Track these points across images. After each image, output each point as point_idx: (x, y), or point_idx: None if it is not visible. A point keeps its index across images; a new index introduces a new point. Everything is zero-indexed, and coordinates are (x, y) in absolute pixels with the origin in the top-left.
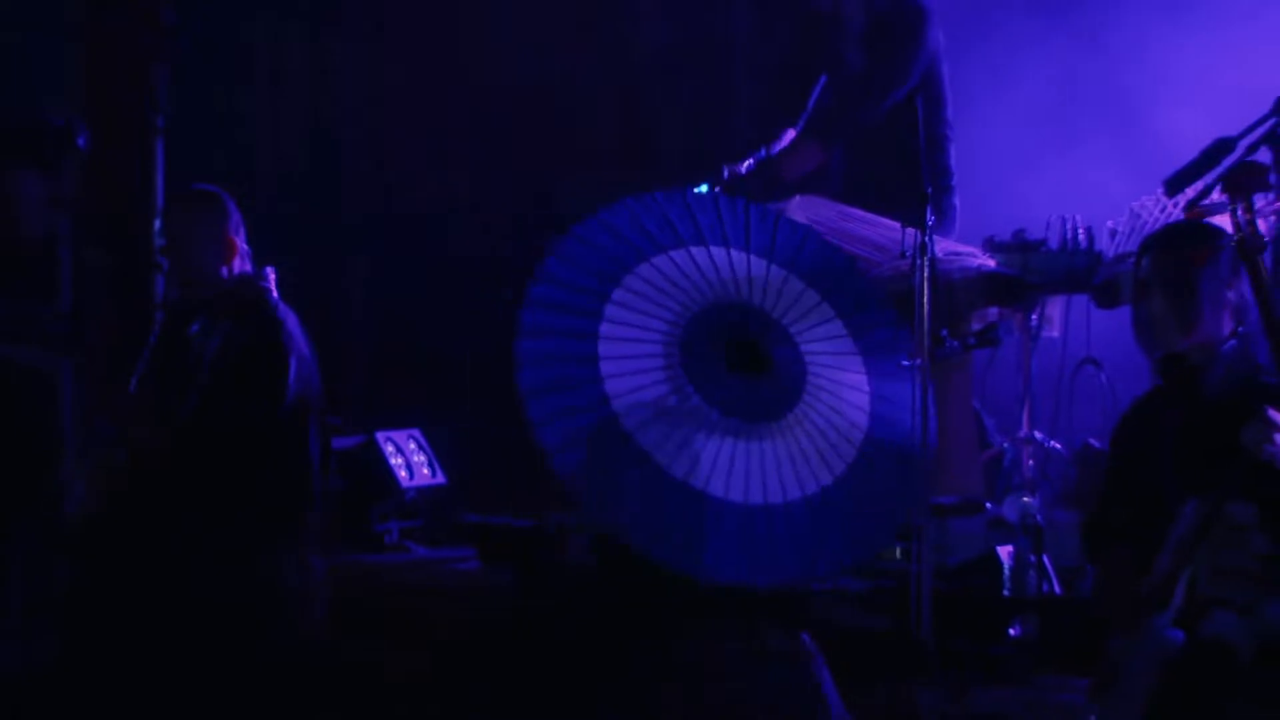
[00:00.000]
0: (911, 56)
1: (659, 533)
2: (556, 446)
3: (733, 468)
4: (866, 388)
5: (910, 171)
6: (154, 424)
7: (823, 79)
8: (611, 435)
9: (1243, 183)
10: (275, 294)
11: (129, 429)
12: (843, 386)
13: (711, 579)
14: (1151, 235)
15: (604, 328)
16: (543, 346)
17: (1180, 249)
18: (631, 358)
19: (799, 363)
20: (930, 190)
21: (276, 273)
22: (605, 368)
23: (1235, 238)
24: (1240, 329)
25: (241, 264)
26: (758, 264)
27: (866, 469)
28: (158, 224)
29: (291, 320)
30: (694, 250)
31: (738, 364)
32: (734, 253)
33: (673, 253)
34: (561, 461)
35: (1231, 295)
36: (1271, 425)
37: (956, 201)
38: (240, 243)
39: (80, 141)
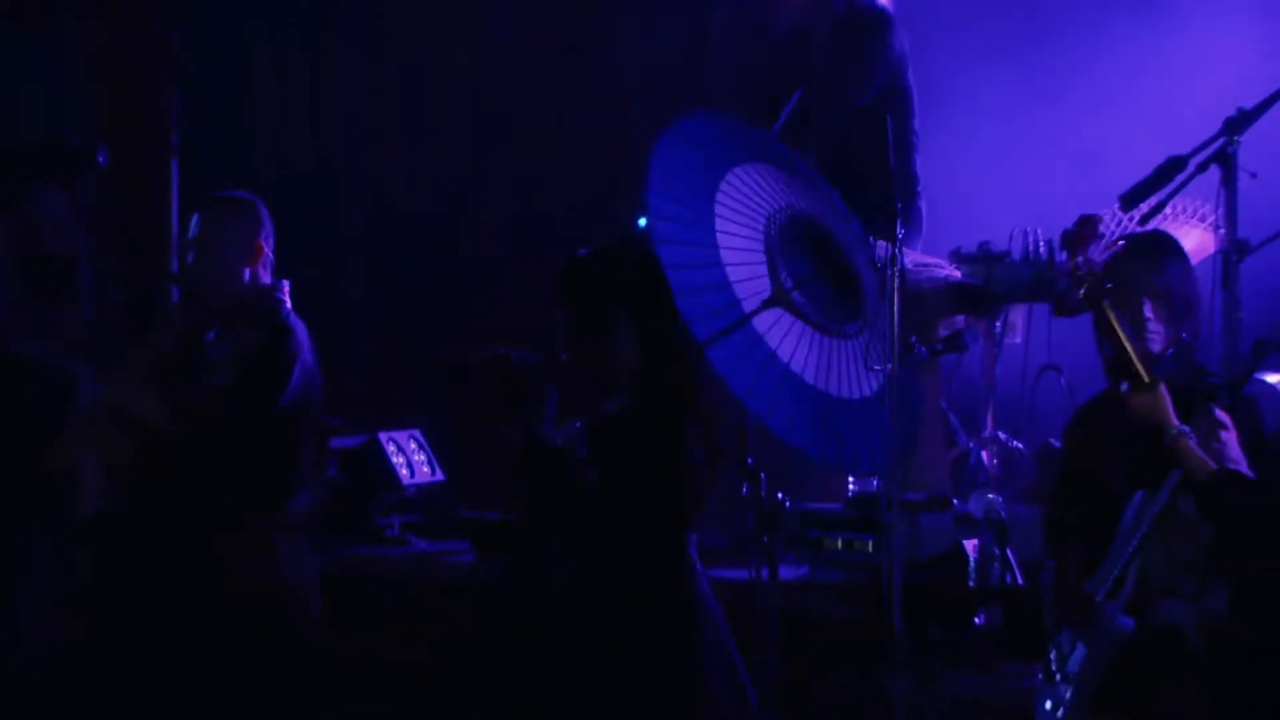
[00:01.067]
0: (875, 60)
1: (753, 387)
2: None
3: (819, 359)
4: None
5: (880, 183)
6: (160, 404)
7: (796, 94)
8: (748, 332)
9: (1079, 235)
10: (288, 305)
11: (136, 406)
12: (886, 332)
13: (802, 450)
14: (1121, 244)
15: (719, 236)
16: (673, 253)
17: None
18: (745, 263)
19: (858, 279)
20: (900, 203)
21: (290, 285)
22: (731, 274)
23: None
24: (1182, 335)
25: (264, 272)
26: (820, 191)
27: (876, 404)
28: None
29: (300, 330)
30: (775, 168)
31: (821, 267)
32: (799, 176)
33: (759, 163)
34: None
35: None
36: (1216, 423)
37: (923, 206)
38: (268, 250)
39: (100, 159)
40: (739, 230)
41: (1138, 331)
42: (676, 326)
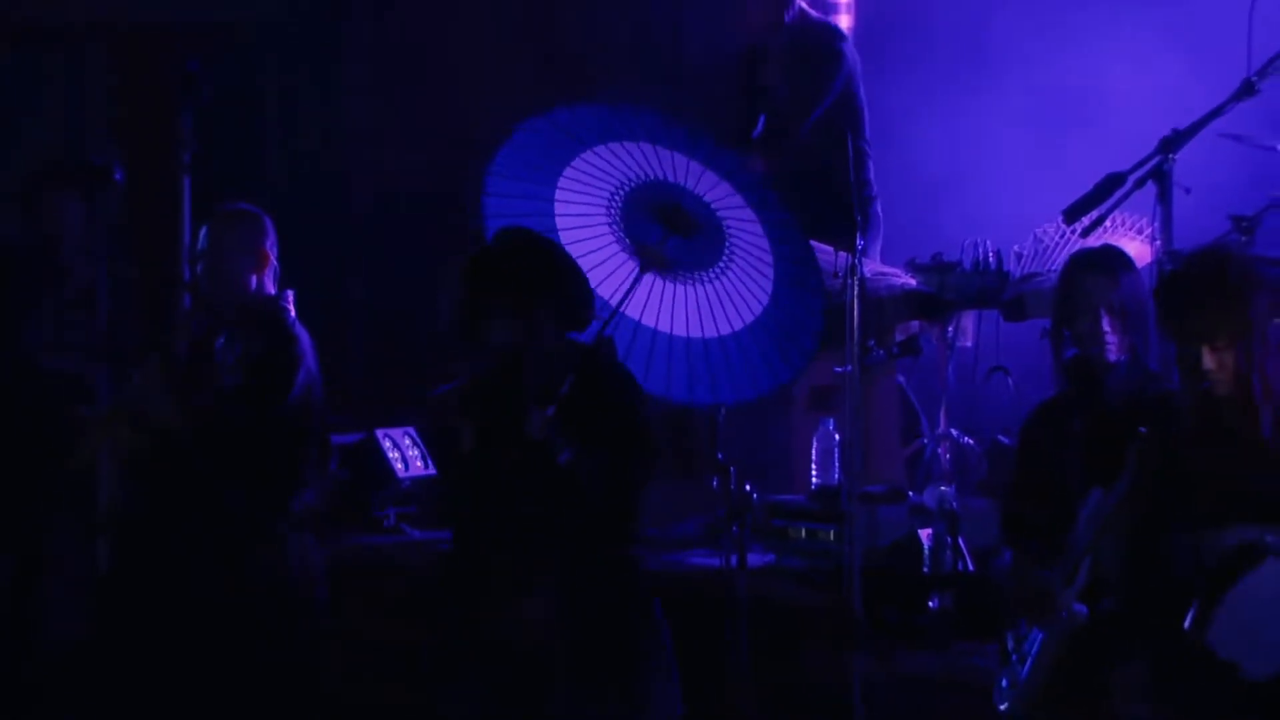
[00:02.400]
0: (829, 75)
1: (640, 364)
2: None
3: (674, 307)
4: (770, 272)
5: (838, 195)
6: (174, 404)
7: (761, 118)
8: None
9: None
10: (293, 314)
11: (151, 406)
12: (753, 257)
13: (668, 398)
14: (1073, 257)
15: (558, 206)
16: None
17: (1112, 264)
18: (584, 227)
19: (719, 228)
20: (858, 214)
21: (295, 294)
22: (564, 237)
23: None
24: (1136, 343)
25: (269, 280)
26: (679, 156)
27: (768, 321)
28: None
29: (304, 337)
30: (621, 144)
31: (670, 225)
32: (658, 147)
33: (606, 144)
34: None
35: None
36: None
37: (879, 210)
38: (273, 258)
39: (117, 176)
40: (582, 218)
41: (1095, 342)
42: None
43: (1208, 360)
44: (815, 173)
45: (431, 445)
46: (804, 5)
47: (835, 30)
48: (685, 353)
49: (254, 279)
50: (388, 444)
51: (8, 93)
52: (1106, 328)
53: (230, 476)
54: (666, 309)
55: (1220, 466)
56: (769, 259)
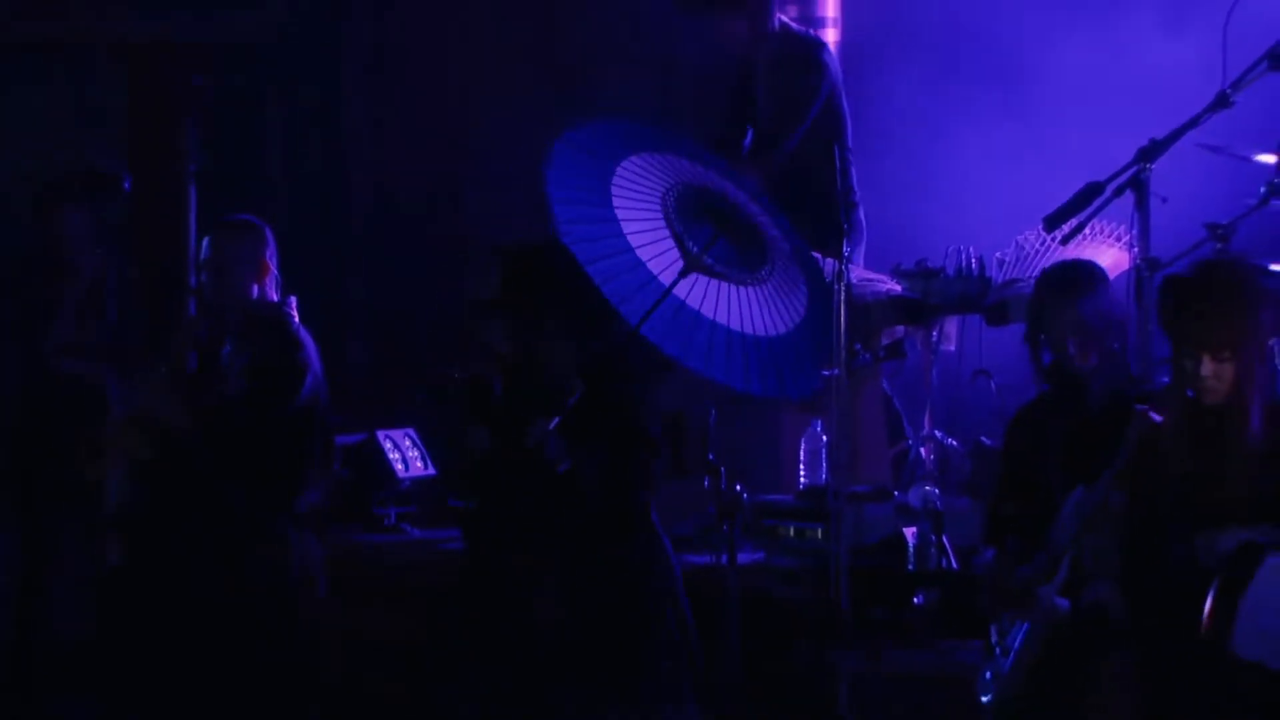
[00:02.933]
0: (813, 85)
1: (681, 341)
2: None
3: (721, 303)
4: (804, 288)
5: (825, 203)
6: (183, 409)
7: (749, 129)
8: (671, 302)
9: None
10: (296, 319)
11: (159, 410)
12: (792, 264)
13: (706, 374)
14: (1044, 273)
15: (622, 225)
16: (578, 237)
17: (1081, 287)
18: (651, 242)
19: (758, 229)
20: (845, 222)
21: (297, 300)
22: (641, 254)
23: None
24: (1114, 346)
25: (271, 287)
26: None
27: (805, 330)
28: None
29: (308, 342)
30: (663, 155)
31: (721, 228)
32: (684, 154)
33: (648, 154)
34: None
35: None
36: (1150, 422)
37: (862, 215)
38: (273, 267)
39: (125, 185)
40: (638, 213)
41: (1066, 355)
42: (606, 315)
43: (1207, 367)
44: (801, 180)
45: (437, 433)
46: (785, 19)
47: (816, 41)
48: (727, 341)
49: (256, 288)
50: (388, 445)
51: (21, 105)
52: (1075, 343)
53: (235, 477)
54: (712, 300)
55: (1210, 469)
56: (802, 275)
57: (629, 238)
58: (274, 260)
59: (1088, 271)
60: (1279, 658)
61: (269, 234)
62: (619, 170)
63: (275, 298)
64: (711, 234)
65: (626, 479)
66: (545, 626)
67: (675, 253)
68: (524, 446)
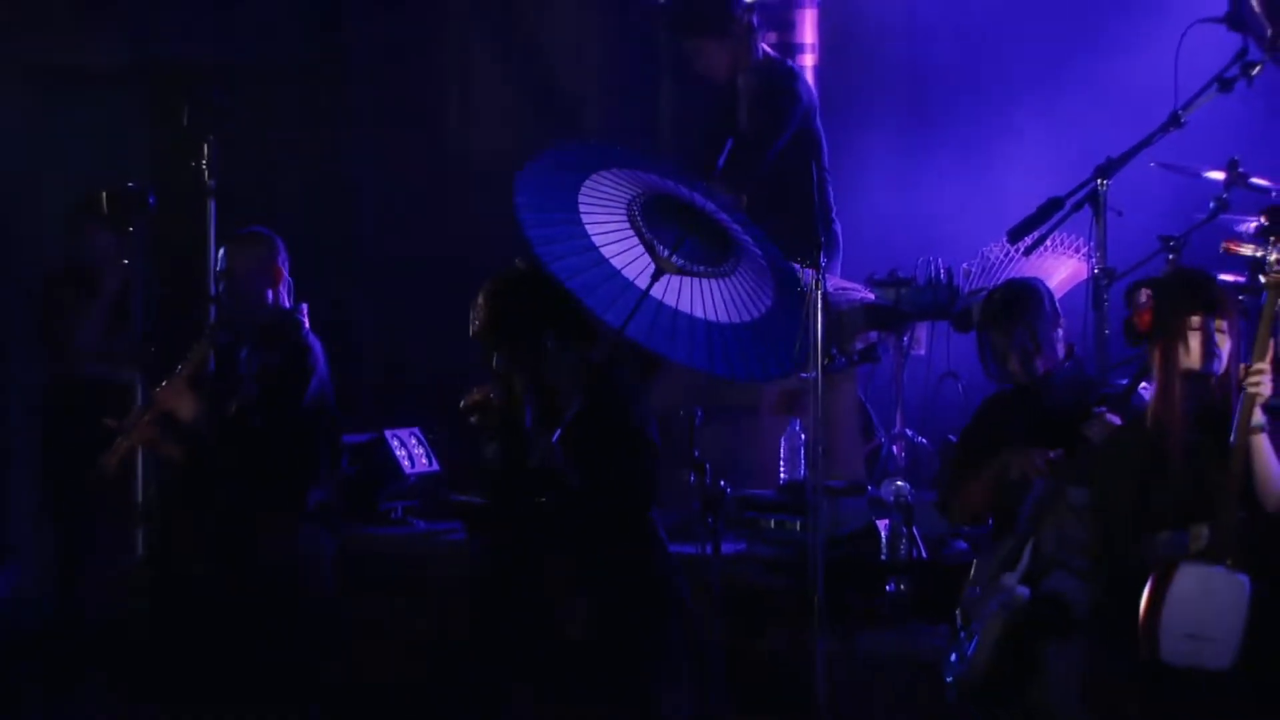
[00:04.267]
0: (787, 110)
1: (665, 337)
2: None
3: (694, 297)
4: (769, 277)
5: (803, 218)
6: (202, 412)
7: (730, 141)
8: (650, 304)
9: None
10: (306, 325)
11: (182, 412)
12: (758, 261)
13: (691, 364)
14: (988, 296)
15: (594, 238)
16: (554, 255)
17: (1015, 309)
18: (623, 251)
19: (721, 226)
20: (821, 235)
21: (309, 307)
22: (615, 263)
23: None
24: (1075, 352)
25: (284, 294)
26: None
27: (775, 316)
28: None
29: (317, 347)
30: (627, 170)
31: (685, 227)
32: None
33: (613, 169)
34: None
35: (1062, 327)
36: (1107, 424)
37: (839, 229)
38: (285, 273)
39: (150, 201)
40: (607, 225)
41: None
42: (596, 328)
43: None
44: (779, 197)
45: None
46: (767, 48)
47: (792, 70)
48: (705, 332)
49: (270, 294)
50: (395, 443)
51: (54, 127)
52: (1015, 360)
53: (250, 474)
54: (686, 295)
55: (1156, 471)
56: (767, 267)
57: (601, 250)
58: (286, 266)
59: (1022, 295)
60: (1208, 659)
61: (279, 243)
62: (584, 187)
63: (289, 304)
64: (678, 235)
65: (629, 483)
66: (549, 627)
67: (646, 258)
68: (532, 465)
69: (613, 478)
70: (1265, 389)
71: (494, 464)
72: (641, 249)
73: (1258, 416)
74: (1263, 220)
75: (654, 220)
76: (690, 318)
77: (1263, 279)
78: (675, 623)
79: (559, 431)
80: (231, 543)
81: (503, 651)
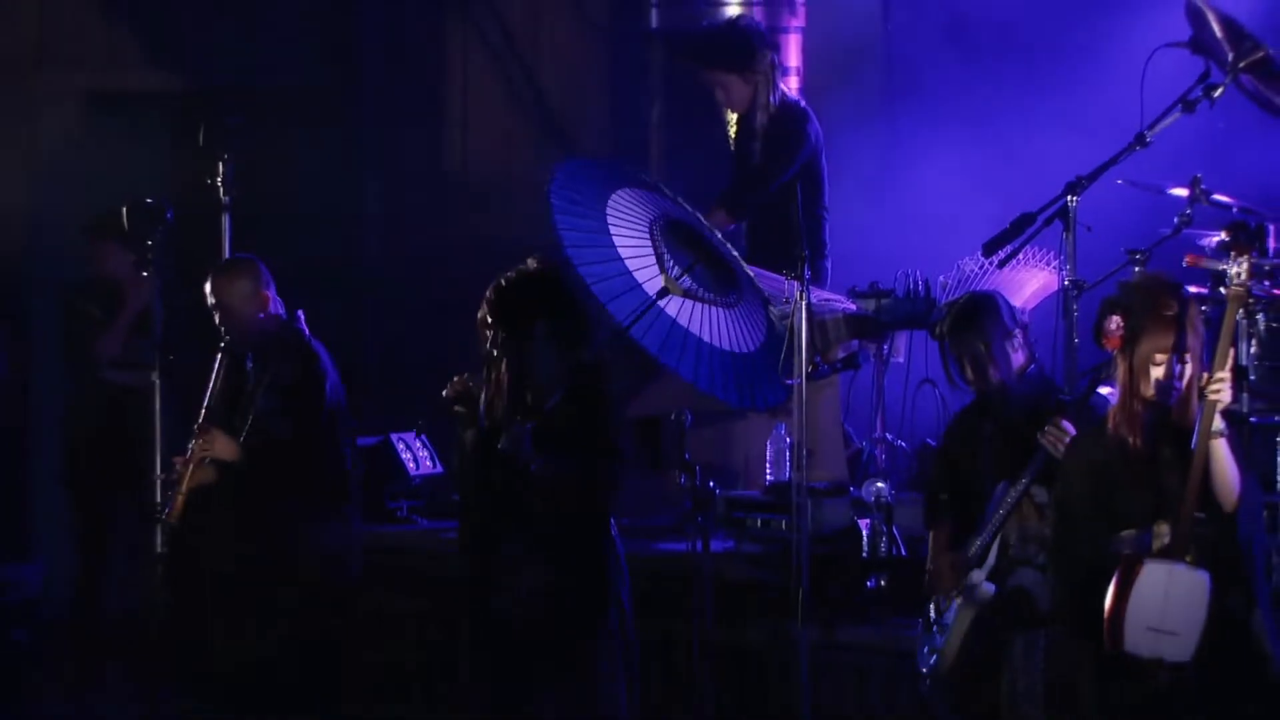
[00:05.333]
0: (796, 148)
1: (676, 353)
2: (627, 319)
3: (703, 321)
4: (763, 315)
5: (794, 239)
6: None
7: (735, 171)
8: (665, 318)
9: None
10: (307, 332)
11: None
12: (757, 296)
13: (694, 383)
14: (946, 313)
15: (615, 239)
16: (581, 255)
17: (969, 321)
18: (638, 256)
19: (729, 264)
20: (810, 253)
21: (305, 314)
22: (629, 264)
23: None
24: (1037, 358)
25: (275, 307)
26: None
27: (767, 351)
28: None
29: (323, 353)
30: (649, 192)
31: (699, 257)
32: (666, 196)
33: (637, 189)
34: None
35: (1018, 337)
36: (1062, 430)
37: (829, 265)
38: (270, 294)
39: (168, 216)
40: (629, 234)
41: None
42: (591, 331)
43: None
44: (775, 221)
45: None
46: (785, 88)
47: (806, 112)
48: (710, 354)
49: (260, 316)
50: (400, 446)
51: (81, 146)
52: (970, 369)
53: (277, 477)
54: (698, 318)
55: (1120, 471)
56: (760, 304)
57: (619, 249)
58: (270, 288)
59: (976, 307)
60: (1170, 652)
61: (261, 267)
62: (613, 197)
63: (283, 313)
64: (691, 260)
65: (590, 481)
66: (506, 614)
67: (656, 270)
68: (500, 449)
69: (574, 474)
70: (1225, 396)
71: (467, 449)
72: (655, 263)
73: (1218, 423)
74: (1224, 235)
75: (671, 243)
76: (698, 339)
77: (1224, 291)
78: (614, 619)
79: (532, 423)
80: (259, 540)
81: (481, 636)
